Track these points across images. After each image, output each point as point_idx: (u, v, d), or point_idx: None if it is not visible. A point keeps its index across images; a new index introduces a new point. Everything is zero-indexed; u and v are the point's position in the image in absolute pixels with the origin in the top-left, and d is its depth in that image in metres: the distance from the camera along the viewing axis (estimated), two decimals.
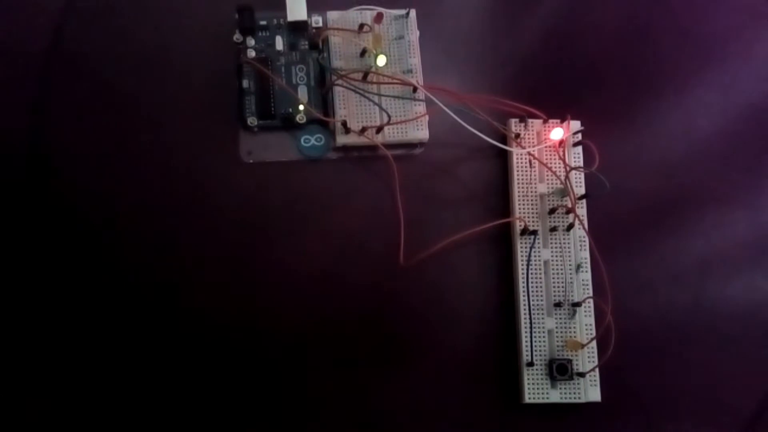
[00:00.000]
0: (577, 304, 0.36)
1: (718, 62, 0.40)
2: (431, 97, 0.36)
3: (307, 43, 0.38)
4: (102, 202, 0.36)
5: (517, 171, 0.37)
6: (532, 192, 0.37)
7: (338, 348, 0.36)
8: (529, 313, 0.36)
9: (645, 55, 0.40)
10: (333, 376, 0.36)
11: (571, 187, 0.36)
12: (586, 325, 0.36)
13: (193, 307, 0.36)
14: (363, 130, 0.37)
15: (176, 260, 0.36)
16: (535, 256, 0.36)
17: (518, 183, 0.37)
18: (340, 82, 0.36)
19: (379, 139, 0.37)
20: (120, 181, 0.37)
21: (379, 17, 0.37)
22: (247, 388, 0.35)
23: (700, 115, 0.40)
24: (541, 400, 0.35)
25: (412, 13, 0.38)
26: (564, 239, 0.37)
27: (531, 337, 0.35)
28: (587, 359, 0.35)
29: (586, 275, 0.36)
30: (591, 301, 0.36)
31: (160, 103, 0.37)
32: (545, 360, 0.35)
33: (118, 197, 0.36)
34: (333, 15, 0.38)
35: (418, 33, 0.38)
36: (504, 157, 0.38)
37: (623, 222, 0.38)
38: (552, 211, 0.37)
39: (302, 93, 0.37)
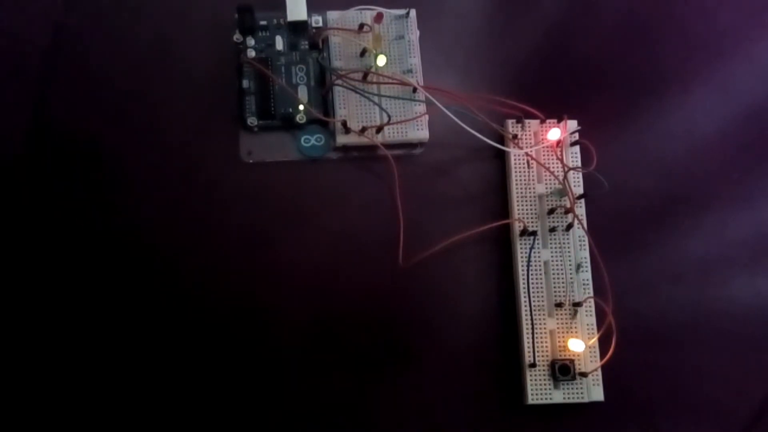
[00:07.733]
0: (578, 304, 0.36)
1: (718, 62, 0.40)
2: (430, 97, 0.36)
3: (307, 43, 0.38)
4: (102, 201, 0.36)
5: (515, 172, 0.37)
6: (530, 192, 0.37)
7: (338, 348, 0.36)
8: (531, 314, 0.35)
9: (642, 54, 0.40)
10: (333, 376, 0.35)
11: (569, 187, 0.36)
12: (587, 324, 0.36)
13: (193, 306, 0.35)
14: (363, 130, 0.36)
15: (175, 260, 0.36)
16: (535, 257, 0.36)
17: (516, 184, 0.37)
18: (340, 82, 0.36)
19: (379, 139, 0.37)
20: (120, 180, 0.36)
21: (379, 17, 0.37)
22: (248, 388, 0.35)
23: (699, 115, 0.40)
24: (544, 401, 0.35)
25: (412, 13, 0.38)
26: (563, 239, 0.37)
27: (533, 338, 0.35)
28: (589, 359, 0.35)
29: (587, 275, 0.36)
30: (592, 300, 0.36)
31: (160, 102, 0.37)
32: (547, 361, 0.35)
33: (118, 196, 0.36)
34: (333, 15, 0.38)
35: (418, 33, 0.38)
36: (503, 158, 0.38)
37: (623, 221, 0.38)
38: (551, 211, 0.37)
39: (302, 93, 0.37)
